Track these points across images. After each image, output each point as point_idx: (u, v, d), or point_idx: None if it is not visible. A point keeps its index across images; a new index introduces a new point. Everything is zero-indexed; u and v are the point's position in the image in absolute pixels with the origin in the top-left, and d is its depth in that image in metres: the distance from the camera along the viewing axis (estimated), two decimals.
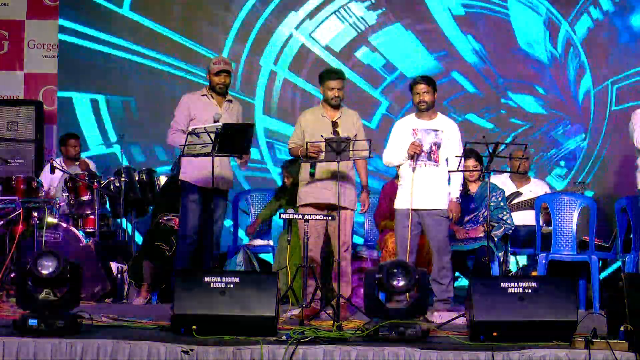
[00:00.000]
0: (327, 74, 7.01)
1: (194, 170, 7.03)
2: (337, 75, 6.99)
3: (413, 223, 6.79)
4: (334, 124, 6.92)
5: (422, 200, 6.77)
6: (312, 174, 6.84)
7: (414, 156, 6.77)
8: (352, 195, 6.96)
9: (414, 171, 6.79)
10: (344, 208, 6.79)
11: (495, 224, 7.55)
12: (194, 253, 7.13)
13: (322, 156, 6.67)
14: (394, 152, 6.92)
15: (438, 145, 6.83)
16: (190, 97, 7.23)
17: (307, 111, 7.16)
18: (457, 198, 6.89)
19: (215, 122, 6.74)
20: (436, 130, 6.85)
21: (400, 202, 6.88)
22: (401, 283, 5.80)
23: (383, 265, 5.85)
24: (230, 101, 7.21)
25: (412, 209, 6.77)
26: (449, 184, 6.89)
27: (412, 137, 6.83)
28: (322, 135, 6.69)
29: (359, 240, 8.85)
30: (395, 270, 5.80)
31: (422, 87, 6.83)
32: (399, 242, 6.84)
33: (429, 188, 6.79)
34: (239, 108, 7.33)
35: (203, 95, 7.17)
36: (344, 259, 6.80)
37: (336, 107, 6.98)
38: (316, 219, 6.74)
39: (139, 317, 6.38)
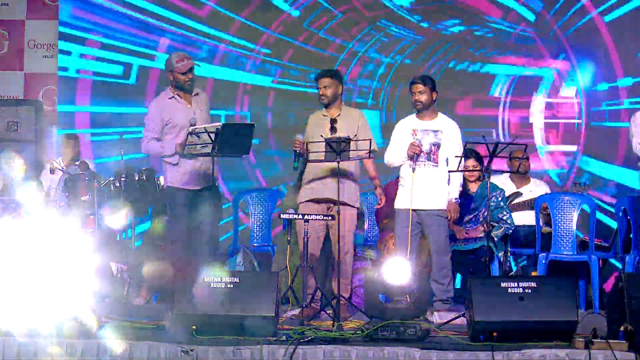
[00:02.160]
0: (317, 74, 7.03)
1: (184, 174, 6.97)
2: (322, 74, 7.01)
3: (413, 223, 6.79)
4: (333, 122, 6.93)
5: (422, 200, 6.78)
6: (295, 168, 6.96)
7: (413, 157, 6.77)
8: (352, 191, 6.95)
9: (413, 171, 6.79)
10: (344, 204, 6.78)
11: (495, 224, 7.54)
12: (185, 255, 7.10)
13: (313, 155, 6.69)
14: (395, 153, 6.92)
15: (437, 146, 6.83)
16: (159, 102, 7.09)
17: (314, 112, 7.17)
18: (455, 199, 6.89)
19: (191, 126, 6.73)
20: (436, 131, 6.85)
21: (400, 202, 6.88)
22: (401, 283, 5.81)
23: (383, 265, 5.86)
24: (197, 94, 7.12)
25: (412, 209, 6.77)
26: (449, 184, 6.89)
27: (412, 138, 6.84)
28: (321, 135, 6.71)
29: (359, 240, 8.82)
30: (395, 270, 5.81)
31: (418, 87, 6.84)
32: (398, 242, 6.84)
33: (428, 188, 6.79)
34: (206, 97, 7.26)
35: (170, 97, 7.03)
36: (344, 262, 6.79)
37: (328, 106, 6.98)
38: (316, 219, 6.74)
39: (139, 317, 6.38)
